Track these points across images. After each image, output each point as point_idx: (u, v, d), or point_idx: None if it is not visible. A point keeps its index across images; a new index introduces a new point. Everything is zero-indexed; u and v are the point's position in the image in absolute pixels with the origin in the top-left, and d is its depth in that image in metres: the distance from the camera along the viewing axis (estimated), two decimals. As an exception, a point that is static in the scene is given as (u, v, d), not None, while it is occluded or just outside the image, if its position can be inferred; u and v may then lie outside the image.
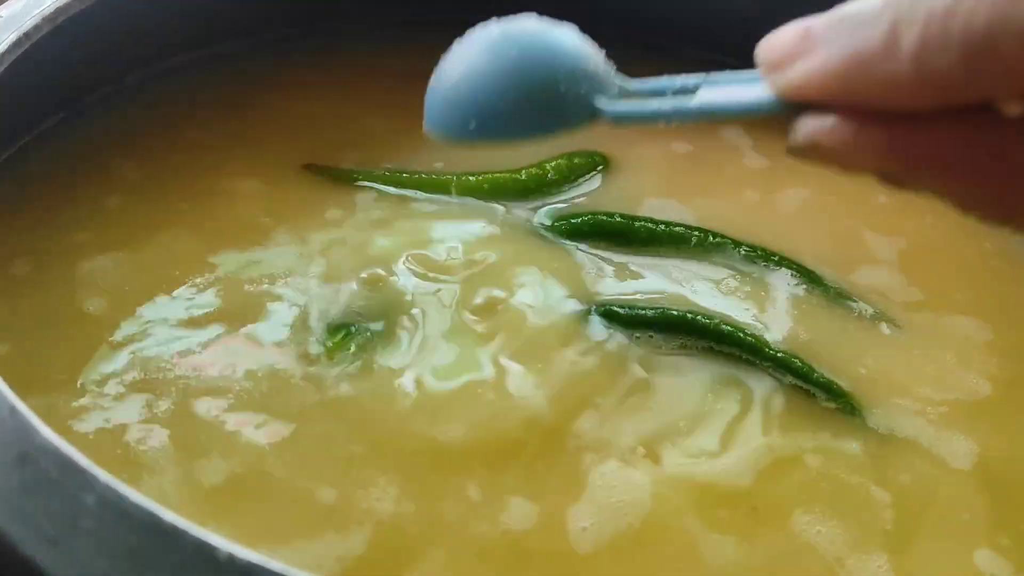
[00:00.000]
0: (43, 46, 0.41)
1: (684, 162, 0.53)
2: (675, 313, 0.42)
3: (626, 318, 0.42)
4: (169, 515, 0.24)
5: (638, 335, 0.42)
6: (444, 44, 0.58)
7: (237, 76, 0.54)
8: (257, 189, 0.47)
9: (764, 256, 0.47)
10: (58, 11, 0.41)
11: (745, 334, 0.42)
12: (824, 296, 0.46)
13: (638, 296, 0.44)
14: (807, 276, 0.46)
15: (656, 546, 0.34)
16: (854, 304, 0.45)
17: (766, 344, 0.42)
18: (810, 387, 0.41)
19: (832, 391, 0.41)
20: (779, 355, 0.42)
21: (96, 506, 0.24)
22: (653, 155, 0.52)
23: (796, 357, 0.42)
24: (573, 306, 0.43)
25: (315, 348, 0.39)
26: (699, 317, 0.42)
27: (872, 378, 0.42)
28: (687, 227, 0.47)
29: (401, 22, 0.59)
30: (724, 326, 0.42)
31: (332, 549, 0.33)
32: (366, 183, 0.48)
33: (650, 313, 0.42)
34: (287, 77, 0.54)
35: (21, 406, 0.26)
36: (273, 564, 0.23)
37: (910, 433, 0.40)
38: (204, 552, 0.24)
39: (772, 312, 0.45)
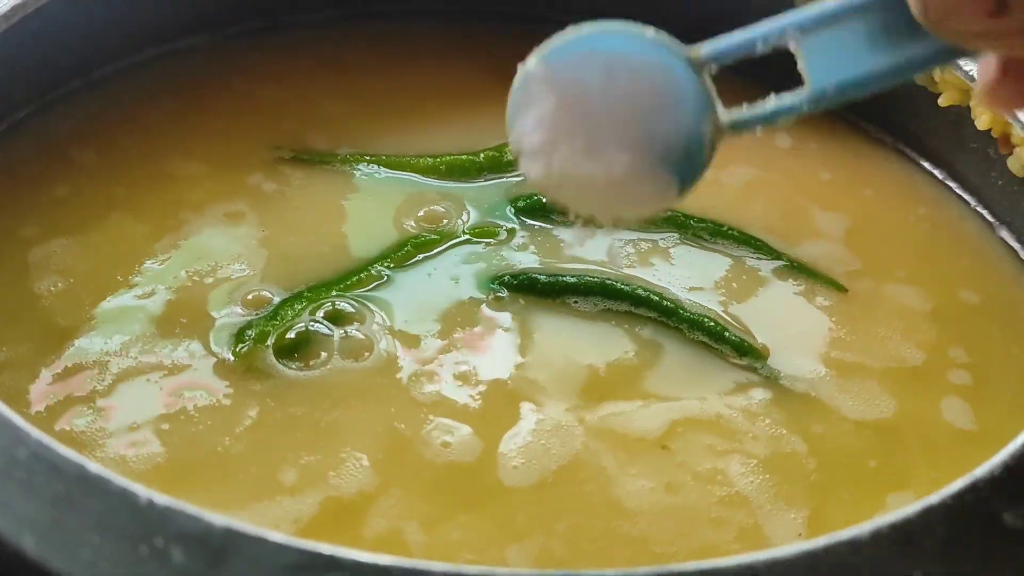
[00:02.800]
0: (3, 43, 0.43)
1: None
2: (594, 280, 0.44)
3: (546, 284, 0.44)
4: (95, 466, 0.26)
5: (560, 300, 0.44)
6: (399, 33, 0.61)
7: (203, 69, 0.56)
8: (210, 174, 0.48)
9: (713, 229, 0.49)
10: (14, 9, 0.43)
11: (661, 298, 0.44)
12: (768, 264, 0.47)
13: (574, 266, 0.46)
14: (753, 244, 0.48)
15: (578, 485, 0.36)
16: (798, 272, 0.47)
17: (681, 306, 0.44)
18: (722, 346, 0.43)
19: (742, 349, 0.43)
20: (693, 316, 0.43)
21: (27, 459, 0.26)
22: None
23: (708, 318, 0.43)
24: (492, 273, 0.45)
25: (255, 330, 0.41)
26: (616, 283, 0.44)
27: (802, 341, 0.44)
28: None
29: (361, 14, 0.60)
30: (640, 290, 0.44)
31: (289, 506, 0.35)
32: (324, 165, 0.50)
33: (570, 279, 0.44)
34: (252, 68, 0.56)
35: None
36: (188, 507, 0.25)
37: (825, 391, 0.42)
38: (126, 498, 0.26)
39: (715, 279, 0.46)
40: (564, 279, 0.44)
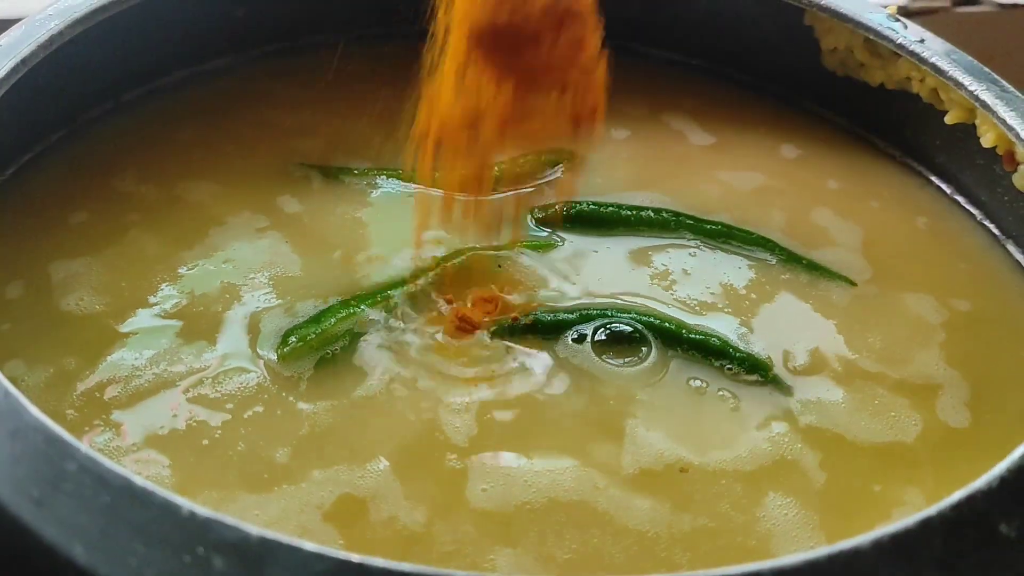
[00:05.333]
0: (41, 70, 0.45)
1: (640, 152, 0.56)
2: (594, 312, 0.45)
3: (548, 324, 0.45)
4: (139, 479, 0.28)
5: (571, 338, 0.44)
6: (410, 55, 0.63)
7: (228, 89, 0.58)
8: (236, 190, 0.50)
9: (726, 232, 0.50)
10: (52, 38, 0.45)
11: (662, 322, 0.45)
12: (785, 269, 0.49)
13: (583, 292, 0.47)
14: (769, 247, 0.50)
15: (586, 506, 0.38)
16: (816, 277, 0.49)
17: (685, 327, 0.45)
18: (729, 363, 0.44)
19: (752, 365, 0.44)
20: (697, 337, 0.44)
21: (77, 472, 0.28)
22: (615, 150, 0.56)
23: (714, 336, 0.45)
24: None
25: (272, 346, 0.43)
26: (617, 313, 0.45)
27: (813, 349, 0.45)
28: (653, 209, 0.51)
29: (378, 35, 0.62)
30: (643, 318, 0.45)
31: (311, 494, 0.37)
32: (345, 180, 0.52)
33: (573, 316, 0.45)
34: (274, 88, 0.58)
35: (13, 389, 0.30)
36: (226, 518, 0.27)
37: (837, 402, 0.43)
38: (169, 509, 0.27)
39: (728, 286, 0.48)
40: (565, 317, 0.45)
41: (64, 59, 0.47)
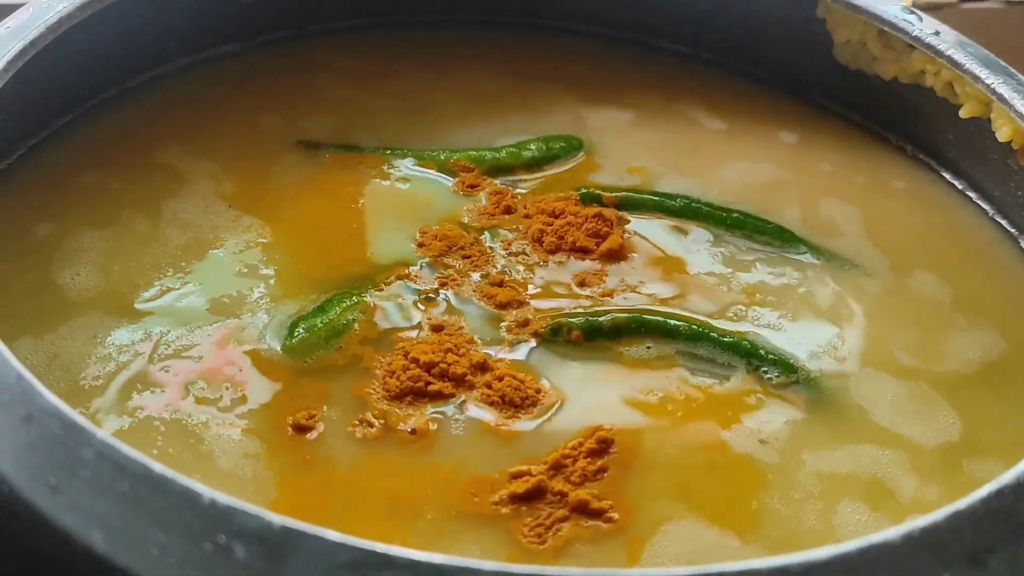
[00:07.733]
0: (49, 53, 0.45)
1: (656, 140, 0.56)
2: (625, 317, 0.44)
3: (582, 327, 0.43)
4: (158, 466, 0.27)
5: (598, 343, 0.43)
6: (421, 38, 0.62)
7: (233, 76, 0.57)
8: (241, 175, 0.50)
9: (746, 222, 0.50)
10: (61, 21, 0.44)
11: (690, 324, 0.44)
12: (810, 262, 0.49)
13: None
14: (793, 240, 0.50)
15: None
16: (840, 270, 0.49)
17: (712, 328, 0.44)
18: (763, 365, 0.43)
19: (785, 367, 0.43)
20: (728, 340, 0.43)
21: (94, 458, 0.27)
22: (632, 137, 0.56)
23: (745, 339, 0.43)
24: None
25: (305, 323, 0.42)
26: (646, 317, 0.44)
27: (853, 346, 0.45)
28: (679, 196, 0.51)
29: (386, 24, 0.62)
30: (671, 322, 0.44)
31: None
32: (352, 160, 0.52)
33: (603, 320, 0.44)
34: (279, 75, 0.58)
35: (26, 373, 0.29)
36: (248, 507, 0.26)
37: (866, 396, 0.42)
38: (189, 497, 0.27)
39: (756, 281, 0.47)
40: (597, 320, 0.43)
41: (71, 43, 0.47)
